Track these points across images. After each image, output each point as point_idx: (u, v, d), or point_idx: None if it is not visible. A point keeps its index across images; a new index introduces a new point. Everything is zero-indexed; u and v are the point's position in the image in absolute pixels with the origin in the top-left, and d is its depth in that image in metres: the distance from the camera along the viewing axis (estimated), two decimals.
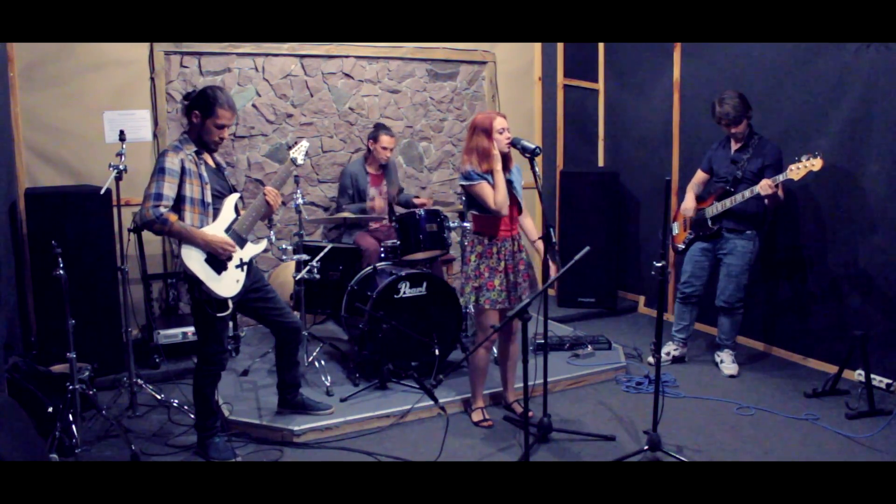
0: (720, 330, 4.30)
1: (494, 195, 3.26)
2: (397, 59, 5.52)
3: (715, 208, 4.10)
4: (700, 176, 4.37)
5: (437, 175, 5.86)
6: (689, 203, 4.30)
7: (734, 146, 4.13)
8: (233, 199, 3.17)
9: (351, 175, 4.90)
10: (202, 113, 3.02)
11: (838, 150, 4.04)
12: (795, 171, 3.70)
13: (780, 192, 3.84)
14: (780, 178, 3.76)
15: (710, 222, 4.15)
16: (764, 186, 3.79)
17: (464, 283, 3.46)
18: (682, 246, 4.38)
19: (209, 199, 3.06)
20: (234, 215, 3.14)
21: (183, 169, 2.97)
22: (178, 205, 2.97)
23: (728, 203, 4.01)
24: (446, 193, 5.83)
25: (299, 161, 3.35)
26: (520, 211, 3.45)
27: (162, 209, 2.89)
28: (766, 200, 3.89)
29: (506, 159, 3.35)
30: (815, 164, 3.67)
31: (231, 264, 3.07)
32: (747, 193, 3.91)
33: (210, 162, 3.16)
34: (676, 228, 4.48)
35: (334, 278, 4.36)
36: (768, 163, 3.96)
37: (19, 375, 3.28)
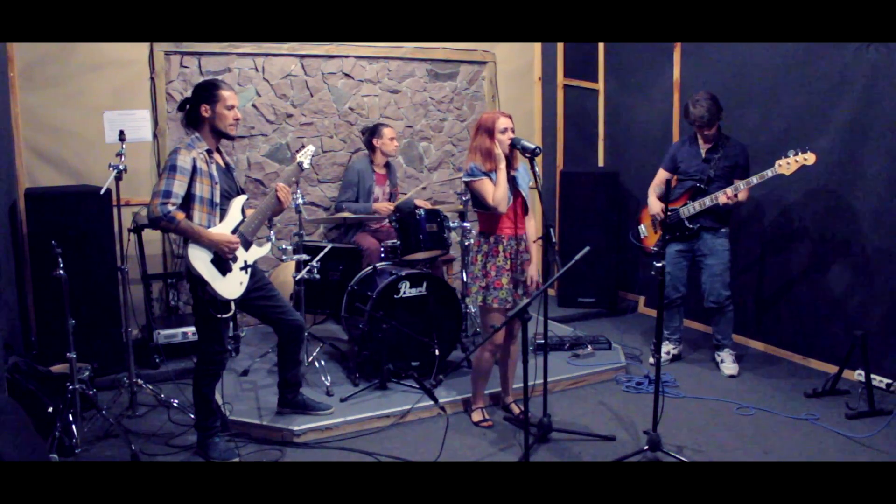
0: (715, 330, 4.30)
1: (494, 192, 3.26)
2: (397, 59, 5.52)
3: (692, 207, 4.10)
4: (663, 175, 4.35)
5: (437, 175, 5.86)
6: (656, 207, 4.30)
7: (704, 146, 4.15)
8: (240, 200, 3.17)
9: (359, 171, 4.88)
10: (209, 103, 3.03)
11: (838, 150, 4.04)
12: (786, 167, 3.73)
13: (740, 197, 3.94)
14: (769, 173, 3.79)
15: (686, 223, 4.15)
16: (722, 197, 3.92)
17: (470, 283, 3.46)
18: (655, 248, 4.36)
19: (218, 199, 3.06)
20: (240, 217, 3.14)
21: (194, 167, 2.96)
22: (187, 203, 2.97)
23: (708, 202, 4.03)
24: (446, 193, 5.83)
25: (305, 165, 3.35)
26: (525, 211, 3.45)
27: (170, 207, 2.89)
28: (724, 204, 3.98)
29: (510, 158, 3.34)
30: (809, 158, 3.70)
31: (235, 266, 3.07)
32: (707, 202, 4.00)
33: (220, 162, 3.16)
34: (645, 231, 4.47)
35: (334, 278, 4.36)
36: (741, 163, 4.05)
37: (19, 375, 3.28)
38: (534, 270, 3.39)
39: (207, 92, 3.04)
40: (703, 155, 4.13)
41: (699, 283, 4.28)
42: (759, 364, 4.40)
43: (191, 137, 3.07)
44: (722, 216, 4.12)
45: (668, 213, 4.20)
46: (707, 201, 4.03)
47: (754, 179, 3.84)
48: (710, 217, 4.10)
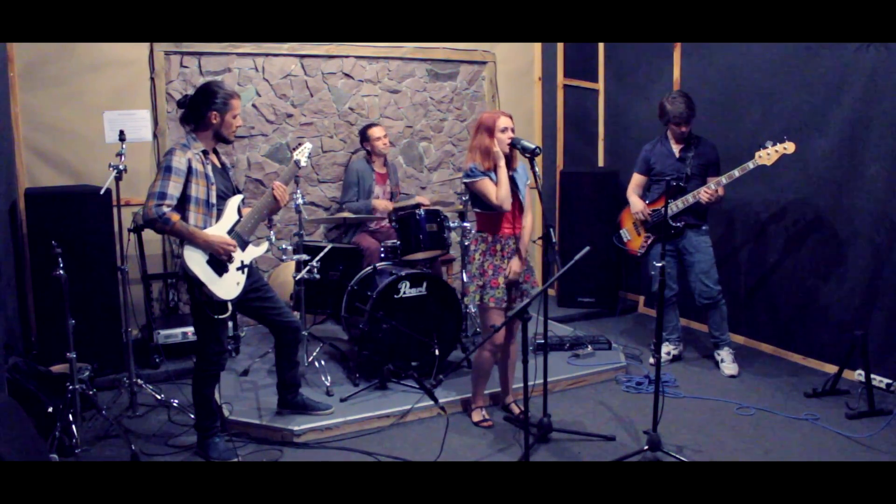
0: (712, 327, 4.30)
1: (497, 191, 3.27)
2: (397, 59, 5.52)
3: (674, 206, 4.12)
4: (639, 179, 4.37)
5: (437, 175, 5.86)
6: (639, 206, 4.31)
7: (676, 146, 4.18)
8: (236, 200, 3.16)
9: (357, 171, 4.92)
10: (220, 111, 3.03)
11: (838, 150, 4.04)
12: (766, 157, 3.80)
13: (720, 192, 4.00)
14: (750, 165, 3.83)
15: (671, 221, 4.16)
16: (704, 195, 3.98)
17: (468, 282, 3.46)
18: (642, 251, 4.38)
19: (214, 199, 3.05)
20: (236, 217, 3.14)
21: (189, 168, 2.96)
22: (183, 204, 2.96)
23: (691, 199, 4.05)
24: (446, 193, 5.83)
25: (303, 163, 3.34)
26: (521, 210, 3.45)
27: (165, 208, 2.89)
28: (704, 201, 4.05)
29: (510, 158, 3.35)
30: (789, 147, 3.76)
31: (232, 266, 3.07)
32: (690, 199, 4.04)
33: (216, 162, 3.16)
34: (628, 234, 4.47)
35: (334, 278, 4.36)
36: (712, 161, 4.12)
37: (19, 375, 3.28)
38: (515, 264, 3.34)
39: (221, 101, 3.02)
40: (678, 154, 4.17)
41: (687, 283, 4.28)
42: (758, 364, 4.39)
43: (186, 137, 3.06)
44: (701, 213, 4.17)
45: (653, 214, 4.26)
46: (689, 198, 4.05)
47: (736, 172, 3.87)
48: (692, 215, 4.15)
